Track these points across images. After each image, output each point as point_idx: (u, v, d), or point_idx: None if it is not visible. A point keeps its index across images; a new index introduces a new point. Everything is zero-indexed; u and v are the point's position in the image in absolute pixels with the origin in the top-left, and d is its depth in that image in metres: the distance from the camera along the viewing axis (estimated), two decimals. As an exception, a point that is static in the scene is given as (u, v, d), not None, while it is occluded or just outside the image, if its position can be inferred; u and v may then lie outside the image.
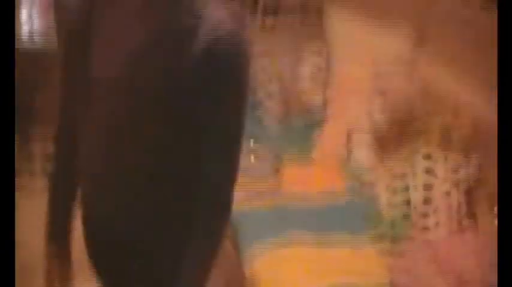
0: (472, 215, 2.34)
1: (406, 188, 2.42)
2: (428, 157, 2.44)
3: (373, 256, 2.22)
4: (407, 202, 2.40)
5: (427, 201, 2.39)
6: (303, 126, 2.74)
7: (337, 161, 2.54)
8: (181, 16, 1.03)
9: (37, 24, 2.56)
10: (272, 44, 2.92)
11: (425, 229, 2.36)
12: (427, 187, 2.40)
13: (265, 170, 2.57)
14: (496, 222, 2.05)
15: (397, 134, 2.46)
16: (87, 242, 1.23)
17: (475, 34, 2.34)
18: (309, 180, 2.49)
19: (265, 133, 2.69)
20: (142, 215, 1.13)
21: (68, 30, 1.22)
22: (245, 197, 2.21)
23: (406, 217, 2.39)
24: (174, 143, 1.07)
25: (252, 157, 2.57)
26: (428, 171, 2.42)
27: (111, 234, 1.17)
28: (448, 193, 2.36)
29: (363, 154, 2.47)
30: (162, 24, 1.05)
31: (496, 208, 2.13)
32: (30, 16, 2.57)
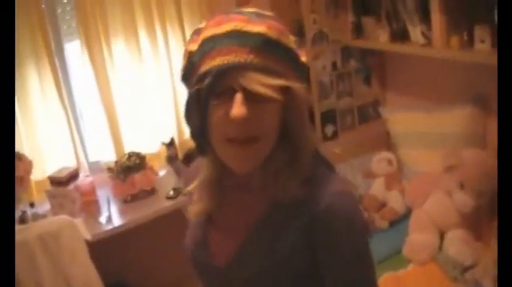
0: None
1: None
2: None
3: None
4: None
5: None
6: (389, 232, 2.69)
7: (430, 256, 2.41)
8: (297, 190, 1.03)
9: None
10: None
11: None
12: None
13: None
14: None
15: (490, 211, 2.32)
16: None
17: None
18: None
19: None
20: None
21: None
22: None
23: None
24: None
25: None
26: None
27: None
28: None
29: (458, 248, 2.33)
30: (274, 199, 1.05)
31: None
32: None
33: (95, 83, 2.92)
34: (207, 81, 0.93)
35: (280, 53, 0.96)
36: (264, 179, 1.05)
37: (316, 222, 1.01)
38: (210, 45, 0.95)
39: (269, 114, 0.97)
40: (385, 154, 2.95)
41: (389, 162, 2.93)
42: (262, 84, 0.92)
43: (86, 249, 2.41)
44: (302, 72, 1.03)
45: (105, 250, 2.53)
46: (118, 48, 2.97)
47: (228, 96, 0.94)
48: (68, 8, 3.03)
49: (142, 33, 2.99)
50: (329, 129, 3.21)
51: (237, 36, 0.94)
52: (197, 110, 0.98)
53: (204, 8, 3.07)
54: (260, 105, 0.94)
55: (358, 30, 3.09)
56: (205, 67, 0.95)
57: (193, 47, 1.00)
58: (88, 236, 2.43)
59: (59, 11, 3.00)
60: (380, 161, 2.95)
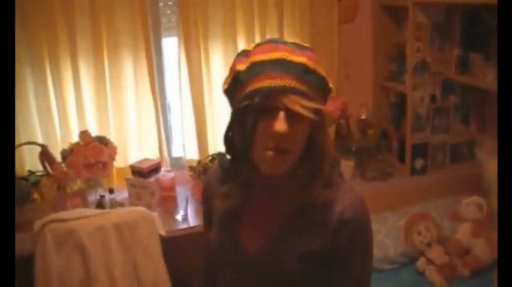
0: None
1: None
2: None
3: None
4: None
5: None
6: (470, 283, 2.56)
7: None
8: (319, 191, 1.21)
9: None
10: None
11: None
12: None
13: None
14: None
15: None
16: None
17: None
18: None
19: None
20: None
21: (219, 215, 1.34)
22: None
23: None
24: None
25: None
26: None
27: None
28: None
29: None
30: (302, 198, 1.23)
31: None
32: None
33: (187, 81, 2.91)
34: (257, 98, 1.09)
35: (315, 80, 1.14)
36: (291, 184, 1.23)
37: (347, 225, 1.19)
38: (259, 69, 1.12)
39: (301, 131, 1.15)
40: (476, 199, 2.79)
41: (480, 207, 2.76)
42: (302, 106, 1.10)
43: (159, 244, 2.37)
44: (327, 95, 1.21)
45: (177, 247, 2.48)
46: (215, 51, 2.95)
47: (271, 113, 1.11)
48: (169, 3, 3.03)
49: (241, 39, 2.96)
50: (418, 163, 3.07)
51: (283, 64, 1.11)
52: (242, 123, 1.14)
53: (306, 22, 3.03)
54: (296, 124, 1.12)
55: (463, 65, 2.95)
56: (253, 86, 1.11)
57: (241, 67, 1.15)
58: (163, 232, 2.40)
59: (161, 4, 3.00)
60: (469, 205, 2.78)
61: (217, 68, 2.96)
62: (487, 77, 2.73)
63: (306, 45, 1.20)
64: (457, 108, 3.12)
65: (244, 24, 2.93)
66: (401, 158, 3.14)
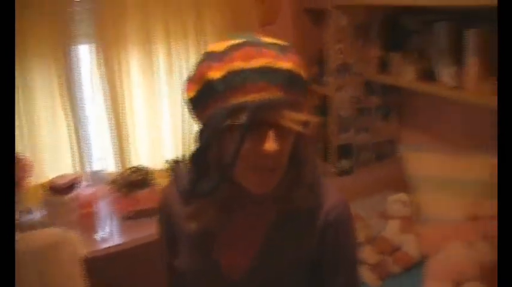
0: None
1: None
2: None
3: None
4: None
5: None
6: (401, 279, 2.56)
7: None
8: (304, 195, 1.15)
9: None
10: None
11: None
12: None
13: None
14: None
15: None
16: None
17: None
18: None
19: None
20: None
21: (189, 239, 1.23)
22: None
23: None
24: None
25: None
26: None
27: None
28: None
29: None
30: (284, 206, 1.16)
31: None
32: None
33: (107, 91, 2.78)
34: (243, 116, 0.96)
35: (300, 86, 1.03)
36: (272, 193, 1.11)
37: (331, 226, 1.16)
38: (239, 78, 0.97)
39: (289, 144, 1.05)
40: (400, 196, 2.82)
41: (405, 204, 2.80)
42: (292, 120, 0.99)
43: (81, 265, 2.24)
44: (306, 96, 1.09)
45: (99, 267, 2.35)
46: (132, 58, 2.84)
47: (257, 130, 0.99)
48: (86, 7, 2.86)
49: (159, 46, 2.88)
50: (345, 164, 3.09)
51: (267, 73, 0.98)
52: (221, 142, 1.03)
53: (226, 25, 2.97)
54: (284, 139, 1.02)
55: (384, 65, 3.00)
56: (235, 100, 0.97)
57: (215, 74, 0.99)
58: (83, 252, 2.26)
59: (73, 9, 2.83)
60: (395, 202, 2.81)
61: (135, 76, 2.85)
62: (405, 75, 2.78)
63: (286, 44, 1.06)
64: (379, 109, 3.17)
65: (163, 29, 2.84)
66: (327, 159, 3.15)
